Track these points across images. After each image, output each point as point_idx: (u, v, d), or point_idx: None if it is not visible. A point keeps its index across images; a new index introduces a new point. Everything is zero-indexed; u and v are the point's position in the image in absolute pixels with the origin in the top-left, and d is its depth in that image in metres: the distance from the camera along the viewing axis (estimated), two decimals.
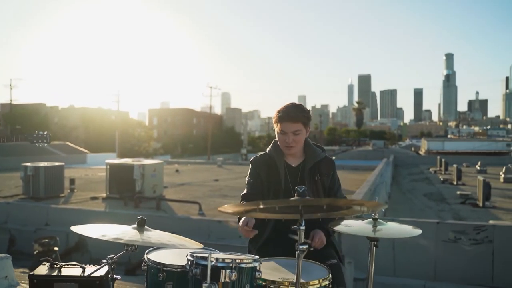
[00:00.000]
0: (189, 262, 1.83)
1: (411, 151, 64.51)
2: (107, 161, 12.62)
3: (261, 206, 1.90)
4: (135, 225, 2.30)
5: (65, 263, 2.67)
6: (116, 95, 52.87)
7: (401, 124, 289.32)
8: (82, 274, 2.58)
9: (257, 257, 1.86)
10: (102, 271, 2.74)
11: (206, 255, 1.72)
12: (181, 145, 71.14)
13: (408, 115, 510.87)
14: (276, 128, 2.71)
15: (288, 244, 2.45)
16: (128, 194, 11.15)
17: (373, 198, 11.07)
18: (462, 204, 13.37)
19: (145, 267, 2.14)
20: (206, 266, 1.69)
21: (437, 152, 51.13)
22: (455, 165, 20.90)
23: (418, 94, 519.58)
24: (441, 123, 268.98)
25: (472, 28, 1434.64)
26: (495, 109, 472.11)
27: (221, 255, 1.79)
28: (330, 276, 1.99)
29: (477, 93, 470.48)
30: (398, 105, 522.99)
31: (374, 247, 2.00)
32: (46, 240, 7.07)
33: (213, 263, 1.73)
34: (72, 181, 13.58)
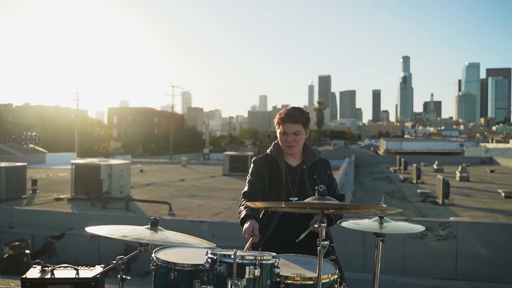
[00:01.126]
0: (210, 260, 1.87)
1: (370, 151, 66.01)
2: (72, 161, 12.32)
3: (283, 206, 2.03)
4: (148, 226, 2.32)
5: (57, 265, 2.63)
6: (75, 93, 51.16)
7: (360, 124, 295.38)
8: (76, 276, 2.56)
9: (274, 254, 1.94)
10: (97, 271, 2.74)
11: (230, 252, 1.79)
12: (142, 145, 70.15)
13: (367, 116, 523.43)
14: (278, 129, 2.86)
15: (288, 243, 2.57)
16: (95, 195, 10.94)
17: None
18: (423, 202, 13.87)
19: (153, 267, 2.15)
20: (231, 263, 1.76)
21: (395, 152, 52.61)
22: (414, 165, 21.59)
23: (376, 95, 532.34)
24: (398, 124, 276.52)
25: (428, 31, 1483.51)
26: (449, 111, 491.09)
27: (243, 253, 1.85)
28: (337, 271, 2.09)
29: (432, 95, 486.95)
30: (357, 106, 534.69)
31: (381, 242, 2.12)
32: (17, 243, 6.84)
33: (238, 260, 1.78)
34: (34, 182, 13.17)
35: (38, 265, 2.62)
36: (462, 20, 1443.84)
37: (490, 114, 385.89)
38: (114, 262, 2.24)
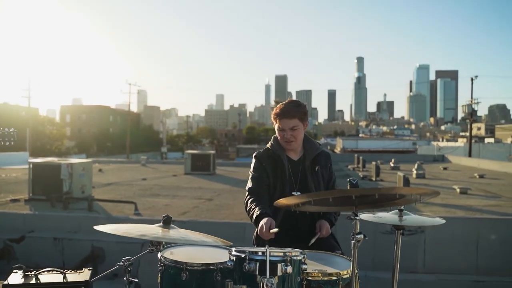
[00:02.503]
0: (235, 258, 1.80)
1: (327, 149, 67.01)
2: (30, 160, 11.80)
3: (315, 198, 1.97)
4: (161, 224, 2.21)
5: (41, 270, 2.46)
6: (26, 89, 48.99)
7: (316, 123, 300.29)
8: (64, 280, 2.42)
9: (300, 250, 1.89)
10: (86, 275, 2.61)
11: (260, 249, 1.72)
12: (97, 144, 68.33)
13: (322, 115, 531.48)
14: (276, 125, 2.82)
15: (294, 238, 2.52)
16: (56, 195, 10.51)
17: None
18: None
19: (161, 267, 2.04)
20: (262, 261, 1.69)
21: (351, 150, 53.75)
22: (374, 162, 22.09)
23: (332, 95, 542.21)
24: (353, 123, 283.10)
25: (381, 33, 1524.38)
26: (401, 110, 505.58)
27: (271, 250, 1.77)
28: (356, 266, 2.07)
29: (385, 95, 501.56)
30: (313, 105, 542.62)
31: (401, 235, 2.10)
32: None
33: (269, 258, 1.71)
34: None
35: (19, 269, 2.43)
36: (413, 23, 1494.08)
37: (439, 114, 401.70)
38: (121, 264, 2.11)
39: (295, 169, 2.81)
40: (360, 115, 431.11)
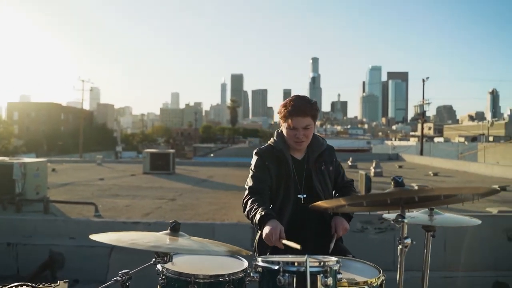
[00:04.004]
0: (264, 270, 1.58)
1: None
2: None
3: (373, 199, 1.80)
4: (168, 231, 1.91)
5: (8, 284, 2.15)
6: None
7: (272, 122, 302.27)
8: None
9: (335, 258, 1.71)
10: None
11: (297, 259, 1.51)
12: (48, 143, 65.66)
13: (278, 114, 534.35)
14: (284, 123, 2.57)
15: (300, 242, 2.33)
16: (7, 197, 9.86)
17: None
18: None
19: (162, 281, 1.79)
20: (300, 272, 1.50)
21: None
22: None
23: (287, 95, 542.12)
24: None
25: (335, 35, 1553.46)
26: (354, 110, 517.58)
27: (310, 259, 1.56)
28: (383, 273, 1.93)
29: (339, 95, 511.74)
30: (269, 105, 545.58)
31: (431, 237, 1.96)
32: None
33: (304, 268, 1.51)
34: None
35: None
36: (367, 25, 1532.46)
37: (390, 114, 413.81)
38: (119, 278, 1.80)
39: (300, 169, 2.60)
40: None
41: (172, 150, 21.93)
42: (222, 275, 1.73)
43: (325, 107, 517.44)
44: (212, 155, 54.51)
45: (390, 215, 1.99)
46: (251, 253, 1.95)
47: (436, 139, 68.01)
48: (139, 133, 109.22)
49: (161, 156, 18.74)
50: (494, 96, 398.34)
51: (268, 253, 2.40)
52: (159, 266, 1.82)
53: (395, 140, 76.02)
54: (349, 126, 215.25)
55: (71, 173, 18.65)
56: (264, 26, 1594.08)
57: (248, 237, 6.98)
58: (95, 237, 1.77)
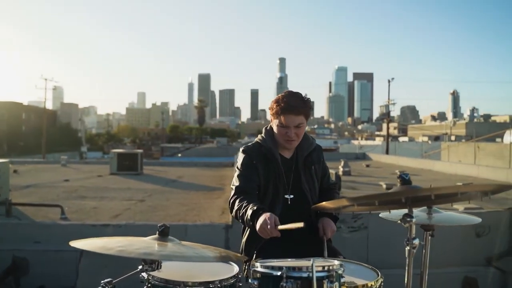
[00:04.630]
0: (263, 276, 1.47)
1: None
2: None
3: (376, 203, 1.68)
4: (157, 236, 1.75)
5: None
6: None
7: (239, 122, 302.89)
8: None
9: (338, 262, 1.62)
10: None
11: (300, 264, 1.41)
12: (8, 143, 63.47)
13: (245, 114, 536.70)
14: (275, 120, 2.47)
15: (287, 244, 2.26)
16: None
17: None
18: None
19: None
20: (305, 278, 1.40)
21: None
22: None
23: (254, 94, 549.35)
24: None
25: (302, 35, 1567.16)
26: (321, 110, 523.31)
27: (315, 263, 1.44)
28: (381, 276, 1.87)
29: (306, 95, 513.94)
30: (236, 105, 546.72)
31: (430, 237, 1.89)
32: None
33: (310, 273, 1.41)
34: None
35: None
36: (333, 26, 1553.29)
37: (356, 114, 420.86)
38: None
39: (288, 168, 2.52)
40: None
41: (140, 150, 21.54)
42: (213, 282, 1.63)
43: None
44: (180, 155, 54.00)
45: (391, 215, 1.92)
46: (246, 258, 1.86)
47: (400, 139, 69.55)
48: (104, 133, 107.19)
49: (128, 156, 18.36)
50: (455, 96, 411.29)
51: (254, 255, 2.32)
52: (144, 274, 1.68)
53: (362, 139, 77.28)
54: (316, 126, 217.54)
55: (34, 174, 18.03)
56: (231, 25, 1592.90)
57: (221, 238, 6.88)
58: (77, 244, 1.62)
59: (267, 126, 2.63)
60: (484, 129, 55.47)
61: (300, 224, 1.85)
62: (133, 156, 18.24)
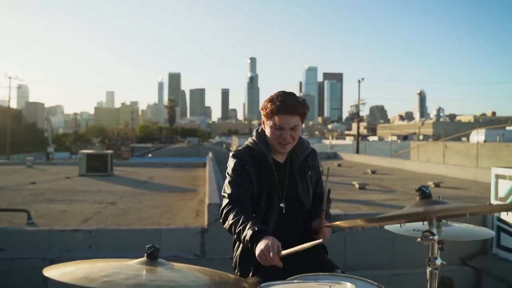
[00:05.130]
0: None
1: (223, 148, 67.44)
2: None
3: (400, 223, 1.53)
4: (145, 259, 1.44)
5: None
6: None
7: (210, 122, 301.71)
8: None
9: (350, 284, 1.50)
10: None
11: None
12: None
13: (216, 114, 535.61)
14: (269, 121, 2.29)
15: (285, 261, 2.09)
16: None
17: None
18: None
19: None
20: None
21: None
22: None
23: (225, 94, 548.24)
24: (246, 122, 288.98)
25: (273, 35, 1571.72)
26: None
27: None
28: None
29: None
30: (207, 104, 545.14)
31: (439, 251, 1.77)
32: None
33: None
34: None
35: None
36: (303, 26, 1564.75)
37: (326, 113, 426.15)
38: None
39: (281, 174, 2.34)
40: (253, 114, 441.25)
41: (110, 151, 21.02)
42: None
43: None
44: (150, 155, 53.20)
45: (402, 228, 1.77)
46: (256, 279, 1.71)
47: (370, 138, 70.58)
48: (72, 133, 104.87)
49: (98, 157, 17.87)
50: (422, 97, 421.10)
51: (251, 272, 2.16)
52: None
53: (332, 139, 78.04)
54: None
55: None
56: (202, 25, 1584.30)
57: (196, 241, 6.72)
58: (52, 273, 1.36)
59: (258, 129, 2.44)
60: (450, 129, 56.98)
61: (305, 246, 1.71)
62: (103, 157, 17.78)
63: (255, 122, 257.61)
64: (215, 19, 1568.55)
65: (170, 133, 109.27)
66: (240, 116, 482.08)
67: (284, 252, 1.89)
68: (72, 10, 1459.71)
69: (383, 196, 12.23)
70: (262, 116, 2.35)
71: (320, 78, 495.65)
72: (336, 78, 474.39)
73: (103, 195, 11.85)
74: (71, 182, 15.37)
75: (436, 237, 1.49)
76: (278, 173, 2.33)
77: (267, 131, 2.33)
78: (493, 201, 7.17)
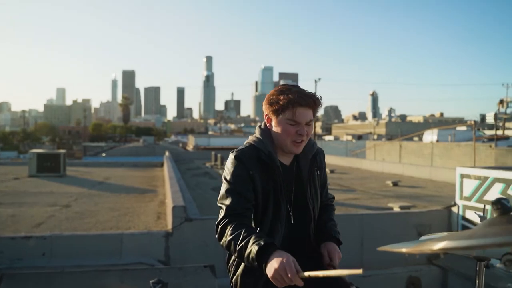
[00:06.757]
0: None
1: (179, 147, 66.61)
2: None
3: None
4: None
5: None
6: None
7: (165, 120, 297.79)
8: None
9: None
10: None
11: None
12: None
13: (171, 113, 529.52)
14: (281, 116, 1.95)
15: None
16: None
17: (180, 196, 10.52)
18: None
19: None
20: None
21: (204, 147, 53.87)
22: None
23: (181, 93, 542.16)
24: (202, 121, 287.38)
25: (229, 34, 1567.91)
26: (247, 109, 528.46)
27: None
28: None
29: (232, 94, 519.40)
30: (162, 103, 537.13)
31: (484, 268, 1.53)
32: None
33: None
34: None
35: None
36: (260, 26, 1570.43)
37: None
38: None
39: (288, 179, 2.02)
40: (208, 113, 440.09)
41: (63, 150, 20.08)
42: None
43: (219, 105, 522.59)
44: (104, 154, 51.68)
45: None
46: None
47: (326, 137, 71.56)
48: (20, 131, 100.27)
49: (50, 156, 16.99)
50: (374, 97, 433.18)
51: (261, 285, 1.85)
52: None
53: None
54: (242, 125, 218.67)
55: None
56: (157, 22, 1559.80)
57: (160, 246, 6.36)
58: None
59: (260, 125, 2.11)
60: (402, 129, 58.63)
61: (358, 271, 1.44)
62: (55, 157, 16.92)
63: (211, 121, 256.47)
64: (171, 17, 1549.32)
65: (125, 131, 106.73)
66: (196, 115, 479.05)
67: (307, 274, 1.58)
68: (21, 4, 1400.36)
69: (344, 196, 12.24)
70: (269, 113, 2.01)
71: (276, 77, 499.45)
72: (291, 78, 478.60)
73: (56, 197, 11.22)
74: (20, 183, 14.51)
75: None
76: (286, 178, 2.03)
77: (278, 128, 1.98)
78: (458, 201, 7.25)
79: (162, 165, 22.76)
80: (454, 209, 7.39)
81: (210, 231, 7.01)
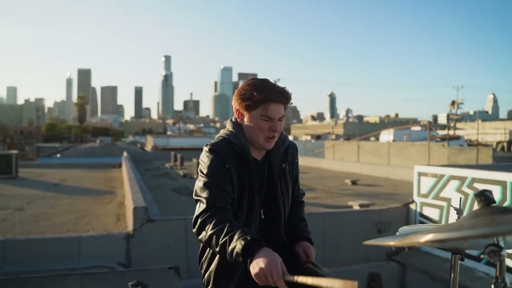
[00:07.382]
0: None
1: (137, 147, 65.43)
2: None
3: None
4: None
5: None
6: None
7: (123, 121, 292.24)
8: None
9: None
10: None
11: None
12: None
13: (129, 112, 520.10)
14: (253, 112, 1.92)
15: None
16: None
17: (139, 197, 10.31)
18: None
19: None
20: None
21: (163, 148, 53.17)
22: (194, 160, 21.91)
23: (139, 92, 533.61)
24: (160, 121, 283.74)
25: (188, 34, 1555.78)
26: (206, 109, 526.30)
27: None
28: None
29: (191, 94, 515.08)
30: (119, 102, 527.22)
31: (459, 261, 1.52)
32: None
33: None
34: None
35: None
36: (218, 25, 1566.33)
37: None
38: None
39: (260, 174, 1.99)
40: (167, 113, 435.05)
41: (15, 151, 19.27)
42: None
43: (178, 105, 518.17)
44: (59, 155, 50.07)
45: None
46: None
47: None
48: None
49: (1, 158, 16.30)
50: (332, 98, 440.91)
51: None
52: None
53: None
54: (202, 125, 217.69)
55: None
56: (114, 20, 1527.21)
57: (121, 248, 6.20)
58: None
59: (231, 118, 2.05)
60: (359, 129, 59.99)
61: (337, 284, 1.36)
62: (6, 158, 16.22)
63: (170, 121, 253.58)
64: (128, 15, 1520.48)
65: (80, 132, 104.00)
66: (154, 115, 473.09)
67: (295, 278, 1.50)
68: None
69: (306, 195, 12.33)
70: (241, 108, 1.96)
71: (235, 78, 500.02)
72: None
73: (8, 200, 10.75)
74: None
75: (504, 252, 1.15)
76: (258, 172, 1.99)
77: (250, 124, 1.94)
78: (416, 198, 7.45)
79: (120, 166, 22.30)
80: (412, 206, 7.60)
81: (172, 232, 6.90)
